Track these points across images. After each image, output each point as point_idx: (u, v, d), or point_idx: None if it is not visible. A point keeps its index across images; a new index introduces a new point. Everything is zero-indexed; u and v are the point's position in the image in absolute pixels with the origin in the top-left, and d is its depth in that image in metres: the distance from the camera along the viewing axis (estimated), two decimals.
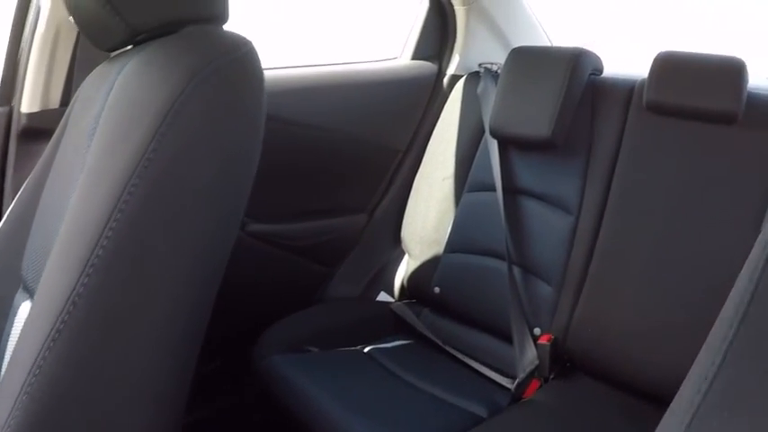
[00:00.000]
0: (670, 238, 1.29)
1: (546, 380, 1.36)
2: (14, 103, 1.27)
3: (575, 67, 1.42)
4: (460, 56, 1.73)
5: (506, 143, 1.51)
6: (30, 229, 0.94)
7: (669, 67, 1.34)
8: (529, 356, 1.36)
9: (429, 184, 1.65)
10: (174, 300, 0.73)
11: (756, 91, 1.31)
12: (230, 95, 0.75)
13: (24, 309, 0.87)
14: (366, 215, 1.73)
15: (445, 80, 1.74)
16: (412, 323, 1.57)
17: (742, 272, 0.53)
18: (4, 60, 1.28)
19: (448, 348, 1.48)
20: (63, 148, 0.95)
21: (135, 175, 0.68)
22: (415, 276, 1.63)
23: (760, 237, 0.52)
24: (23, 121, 1.26)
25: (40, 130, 1.25)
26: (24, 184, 1.03)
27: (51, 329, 0.66)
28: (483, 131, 1.56)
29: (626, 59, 1.85)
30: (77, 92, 1.01)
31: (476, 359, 1.45)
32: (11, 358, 0.75)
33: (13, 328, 0.88)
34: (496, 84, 1.54)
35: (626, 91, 1.42)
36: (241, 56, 0.77)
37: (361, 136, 1.61)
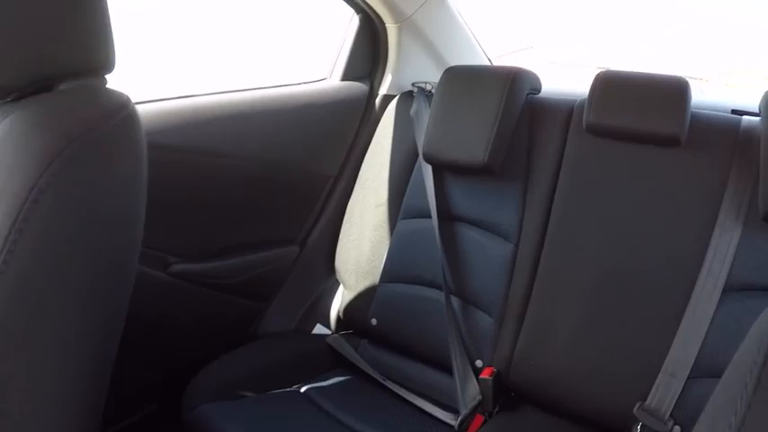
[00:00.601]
0: (613, 266, 1.25)
1: (490, 414, 1.32)
2: None
3: (511, 88, 1.37)
4: (393, 75, 1.66)
5: (441, 168, 1.45)
6: None
7: (610, 87, 1.30)
8: (471, 391, 1.32)
9: (362, 210, 1.58)
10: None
11: (699, 111, 1.28)
12: (108, 165, 0.71)
13: None
14: (297, 246, 1.64)
15: (377, 101, 1.67)
16: (350, 358, 1.50)
17: None
18: None
19: (388, 384, 1.42)
20: None
21: (5, 251, 0.64)
22: (351, 308, 1.56)
23: None
24: None
25: None
26: None
27: None
28: (417, 155, 1.49)
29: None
30: None
31: (418, 393, 1.39)
32: None
33: None
34: (430, 104, 1.47)
35: (565, 112, 1.38)
36: (121, 121, 0.71)
37: (288, 163, 1.53)
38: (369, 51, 1.68)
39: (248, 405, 1.31)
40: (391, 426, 1.30)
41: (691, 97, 1.24)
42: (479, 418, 1.31)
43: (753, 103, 1.31)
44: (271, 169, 1.50)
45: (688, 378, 1.14)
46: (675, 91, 1.25)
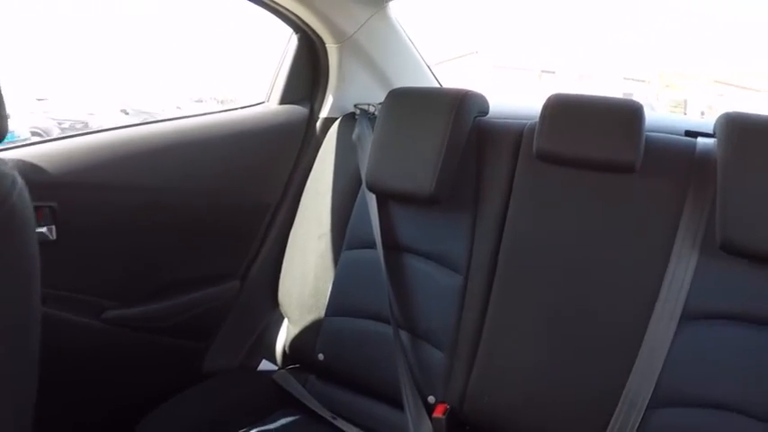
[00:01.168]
0: (567, 297, 1.22)
1: None
2: None
3: (459, 112, 1.31)
4: (334, 97, 1.60)
5: (386, 196, 1.39)
6: None
7: (560, 113, 1.26)
8: (425, 430, 1.26)
9: (304, 241, 1.51)
10: None
11: (653, 134, 1.25)
12: None
13: None
14: (238, 280, 1.56)
15: (318, 124, 1.60)
16: (297, 396, 1.43)
17: None
18: None
19: (338, 423, 1.36)
20: None
21: None
22: (296, 342, 1.49)
23: None
24: None
25: None
26: None
27: None
28: (361, 181, 1.42)
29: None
30: None
31: (369, 431, 1.34)
32: None
33: None
34: (374, 127, 1.41)
35: (514, 137, 1.33)
36: (11, 205, 0.65)
37: (224, 194, 1.45)
38: (308, 72, 1.62)
39: None
40: None
41: (644, 121, 1.21)
42: None
43: (708, 126, 1.29)
44: (206, 201, 1.43)
45: (647, 408, 1.12)
46: (629, 116, 1.21)
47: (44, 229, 1.18)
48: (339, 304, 1.43)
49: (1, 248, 0.65)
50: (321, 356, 1.43)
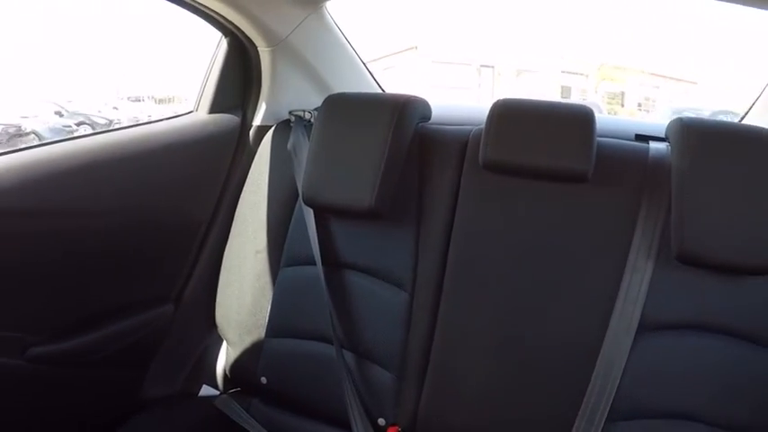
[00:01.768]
0: (519, 313, 1.18)
1: None
2: None
3: (400, 119, 1.25)
4: (267, 104, 1.51)
5: (324, 210, 1.31)
6: None
7: (508, 120, 1.21)
8: None
9: (240, 258, 1.42)
10: None
11: (604, 140, 1.22)
12: None
13: None
14: (172, 303, 1.46)
15: (251, 133, 1.51)
16: (240, 422, 1.36)
17: None
18: None
19: None
20: None
21: None
22: (237, 365, 1.41)
23: None
24: None
25: None
26: None
27: None
28: (298, 193, 1.34)
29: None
30: None
31: None
32: None
33: None
34: (310, 136, 1.33)
35: (459, 145, 1.28)
36: None
37: (152, 212, 1.35)
38: (240, 78, 1.52)
39: None
40: None
41: (596, 128, 1.17)
42: None
43: (657, 128, 1.27)
44: (133, 221, 1.32)
45: (606, 421, 1.10)
46: (580, 122, 1.17)
47: None
48: (279, 324, 1.35)
49: None
50: (264, 380, 1.36)
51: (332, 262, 1.30)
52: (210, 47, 1.50)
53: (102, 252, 1.29)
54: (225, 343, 1.47)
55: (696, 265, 1.08)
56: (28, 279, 1.19)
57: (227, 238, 1.46)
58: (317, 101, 1.40)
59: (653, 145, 1.23)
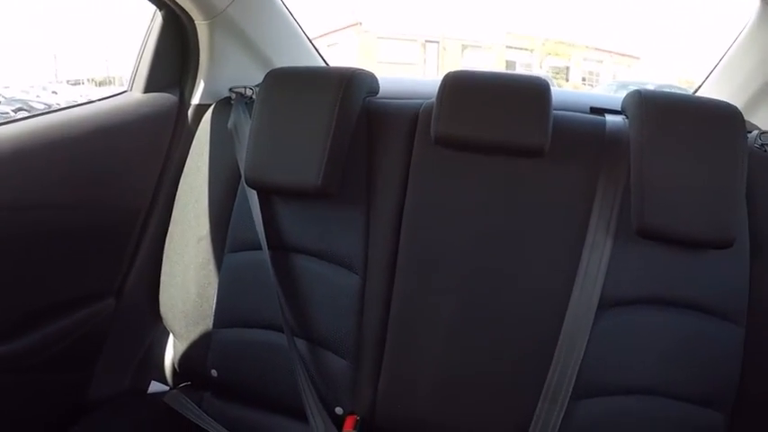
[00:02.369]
0: (476, 294, 1.15)
1: None
2: None
3: (346, 93, 1.19)
4: (206, 81, 1.42)
5: (268, 191, 1.25)
6: None
7: (460, 92, 1.17)
8: None
9: (182, 246, 1.34)
10: None
11: (560, 113, 1.19)
12: None
13: None
14: (113, 297, 1.37)
15: (189, 112, 1.42)
16: (192, 418, 1.30)
17: None
18: None
19: None
20: None
21: None
22: (185, 359, 1.34)
23: None
24: None
25: None
26: None
27: None
28: (240, 175, 1.27)
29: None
30: None
31: None
32: None
33: None
34: (251, 114, 1.26)
35: (409, 118, 1.23)
36: None
37: (87, 201, 1.25)
38: (176, 54, 1.43)
39: None
40: None
41: (552, 101, 1.14)
42: None
43: (611, 101, 1.26)
44: (64, 212, 1.22)
45: (570, 400, 1.09)
46: (536, 95, 1.14)
47: None
48: (227, 314, 1.29)
49: None
50: (214, 372, 1.29)
51: (279, 246, 1.24)
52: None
53: (34, 247, 1.19)
54: (171, 336, 1.41)
55: (656, 240, 1.07)
56: None
57: (168, 225, 1.38)
58: (258, 77, 1.32)
59: (609, 118, 1.21)
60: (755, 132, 1.21)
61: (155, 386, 1.51)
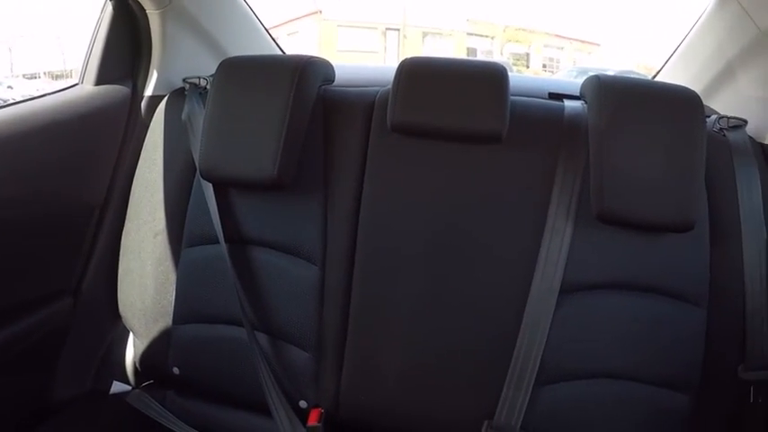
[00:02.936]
0: (437, 283, 1.15)
1: None
2: None
3: (301, 81, 1.17)
4: (159, 72, 1.39)
5: (224, 184, 1.23)
6: None
7: (417, 79, 1.16)
8: None
9: (139, 242, 1.31)
10: None
11: (518, 98, 1.19)
12: None
13: None
14: (71, 297, 1.33)
15: (143, 104, 1.39)
16: (156, 418, 1.28)
17: None
18: None
19: None
20: None
21: None
22: (146, 357, 1.32)
23: None
24: None
25: None
26: None
27: None
28: (195, 168, 1.25)
29: None
30: None
31: None
32: None
33: None
34: (206, 105, 1.23)
35: (365, 107, 1.22)
36: None
37: (38, 199, 1.21)
38: (128, 45, 1.39)
39: None
40: None
41: (509, 86, 1.13)
42: None
43: (570, 86, 1.26)
44: (16, 211, 1.18)
45: (534, 386, 1.09)
46: (493, 81, 1.14)
47: None
48: (186, 310, 1.26)
49: None
50: (176, 370, 1.27)
51: (236, 239, 1.22)
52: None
53: None
54: (131, 334, 1.38)
55: (616, 224, 1.08)
56: None
57: (124, 220, 1.34)
58: (213, 67, 1.28)
59: (568, 103, 1.21)
60: (714, 117, 1.22)
61: (117, 386, 1.47)
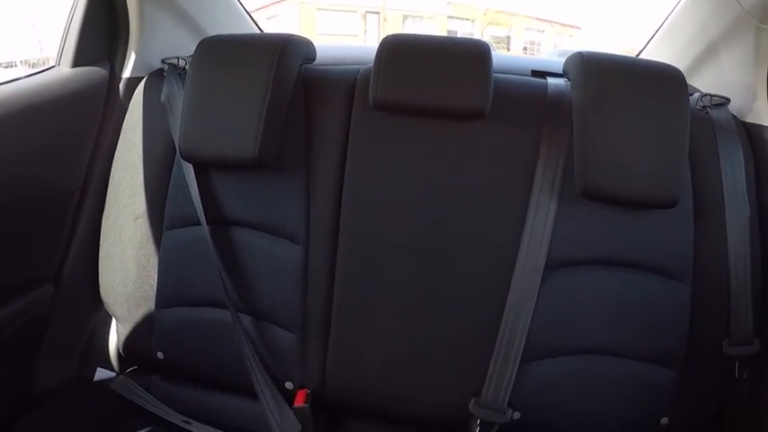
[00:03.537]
0: (420, 260, 1.15)
1: None
2: None
3: (281, 60, 1.15)
4: (137, 53, 1.36)
5: (205, 164, 1.21)
6: None
7: (399, 56, 1.15)
8: (289, 421, 1.18)
9: (119, 226, 1.29)
10: None
11: (501, 75, 1.18)
12: None
13: None
14: (51, 283, 1.31)
15: (121, 86, 1.36)
16: (142, 404, 1.27)
17: None
18: None
19: (193, 429, 1.23)
20: None
21: None
22: (130, 343, 1.30)
23: None
24: None
25: None
26: None
27: None
28: (175, 149, 1.23)
29: None
30: None
31: (230, 430, 1.24)
32: None
33: None
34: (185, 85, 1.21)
35: (347, 84, 1.21)
36: None
37: (15, 184, 1.18)
38: (105, 26, 1.36)
39: None
40: None
41: (492, 63, 1.13)
42: None
43: (553, 64, 1.26)
44: None
45: (520, 363, 1.10)
46: (476, 57, 1.13)
47: None
48: (169, 293, 1.25)
49: None
50: (160, 354, 1.27)
51: (218, 220, 1.21)
52: None
53: None
54: (114, 320, 1.36)
55: (601, 200, 1.08)
56: None
57: (104, 204, 1.32)
58: (192, 48, 1.26)
59: (551, 81, 1.21)
60: (697, 94, 1.23)
61: (101, 373, 1.45)
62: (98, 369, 1.45)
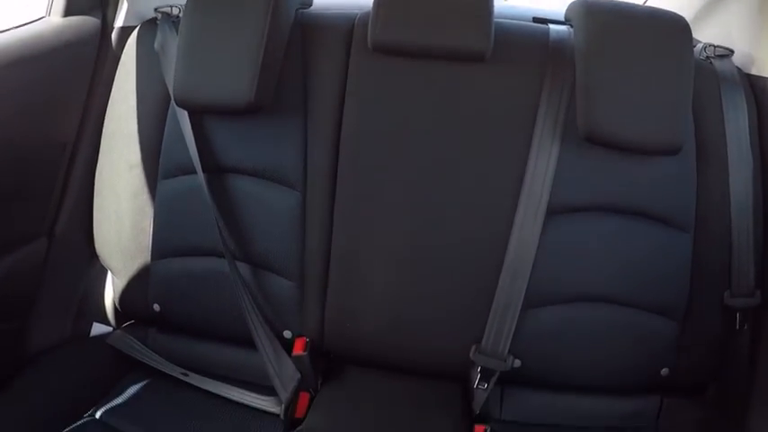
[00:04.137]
0: (421, 205, 1.15)
1: (315, 389, 1.21)
2: None
3: (277, 3, 1.13)
4: (129, 1, 1.33)
5: (200, 111, 1.20)
6: None
7: None
8: (288, 370, 1.17)
9: (113, 176, 1.28)
10: None
11: (503, 20, 1.17)
12: None
13: None
14: (45, 237, 1.30)
15: (113, 36, 1.33)
16: (139, 357, 1.27)
17: None
18: None
19: (191, 380, 1.23)
20: None
21: None
22: (126, 295, 1.31)
23: None
24: None
25: None
26: None
27: None
28: (170, 98, 1.21)
29: None
30: None
31: (230, 381, 1.23)
32: None
33: None
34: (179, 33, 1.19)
35: (345, 28, 1.19)
36: None
37: (5, 137, 1.16)
38: None
39: None
40: None
41: (493, 5, 1.11)
42: (305, 397, 1.18)
43: (554, 13, 1.26)
44: None
45: (521, 310, 1.10)
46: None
47: None
48: (165, 244, 1.25)
49: None
50: (157, 307, 1.27)
51: (214, 168, 1.20)
52: None
53: None
54: (110, 273, 1.36)
55: (603, 145, 1.07)
56: None
57: (97, 156, 1.31)
58: None
59: (553, 27, 1.20)
60: (701, 45, 1.21)
61: (97, 328, 1.45)
62: (94, 324, 1.45)
